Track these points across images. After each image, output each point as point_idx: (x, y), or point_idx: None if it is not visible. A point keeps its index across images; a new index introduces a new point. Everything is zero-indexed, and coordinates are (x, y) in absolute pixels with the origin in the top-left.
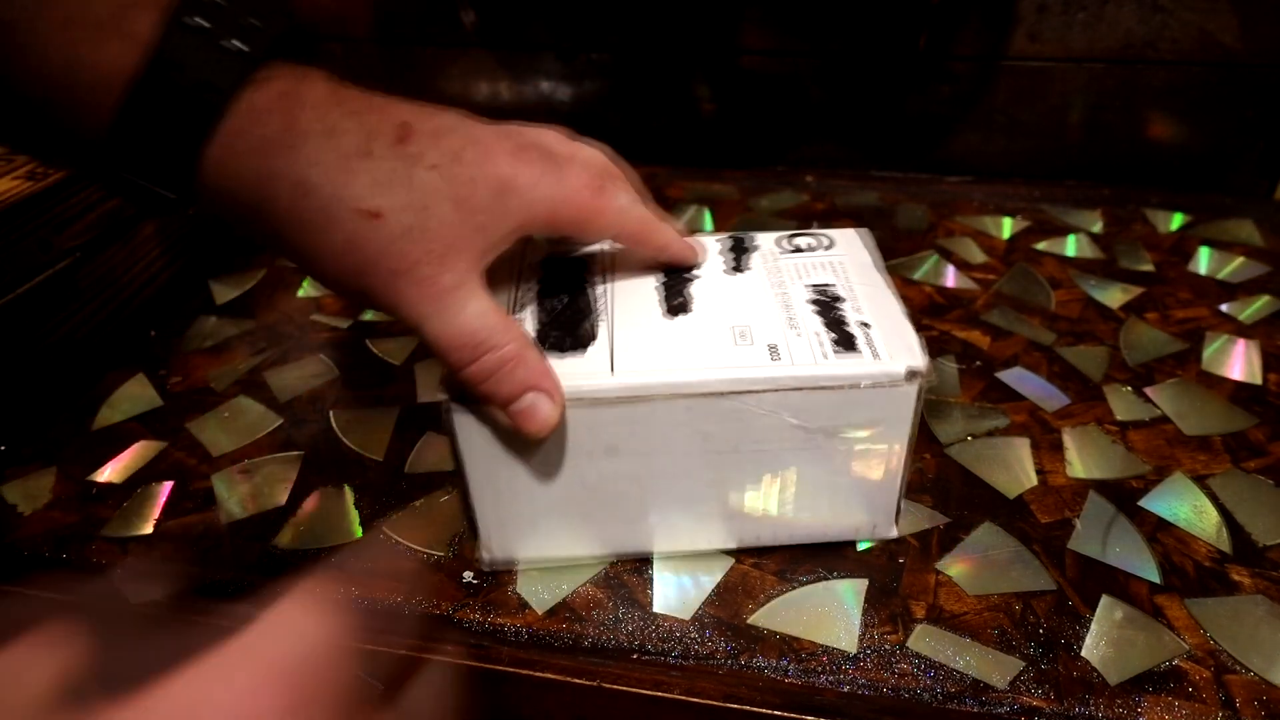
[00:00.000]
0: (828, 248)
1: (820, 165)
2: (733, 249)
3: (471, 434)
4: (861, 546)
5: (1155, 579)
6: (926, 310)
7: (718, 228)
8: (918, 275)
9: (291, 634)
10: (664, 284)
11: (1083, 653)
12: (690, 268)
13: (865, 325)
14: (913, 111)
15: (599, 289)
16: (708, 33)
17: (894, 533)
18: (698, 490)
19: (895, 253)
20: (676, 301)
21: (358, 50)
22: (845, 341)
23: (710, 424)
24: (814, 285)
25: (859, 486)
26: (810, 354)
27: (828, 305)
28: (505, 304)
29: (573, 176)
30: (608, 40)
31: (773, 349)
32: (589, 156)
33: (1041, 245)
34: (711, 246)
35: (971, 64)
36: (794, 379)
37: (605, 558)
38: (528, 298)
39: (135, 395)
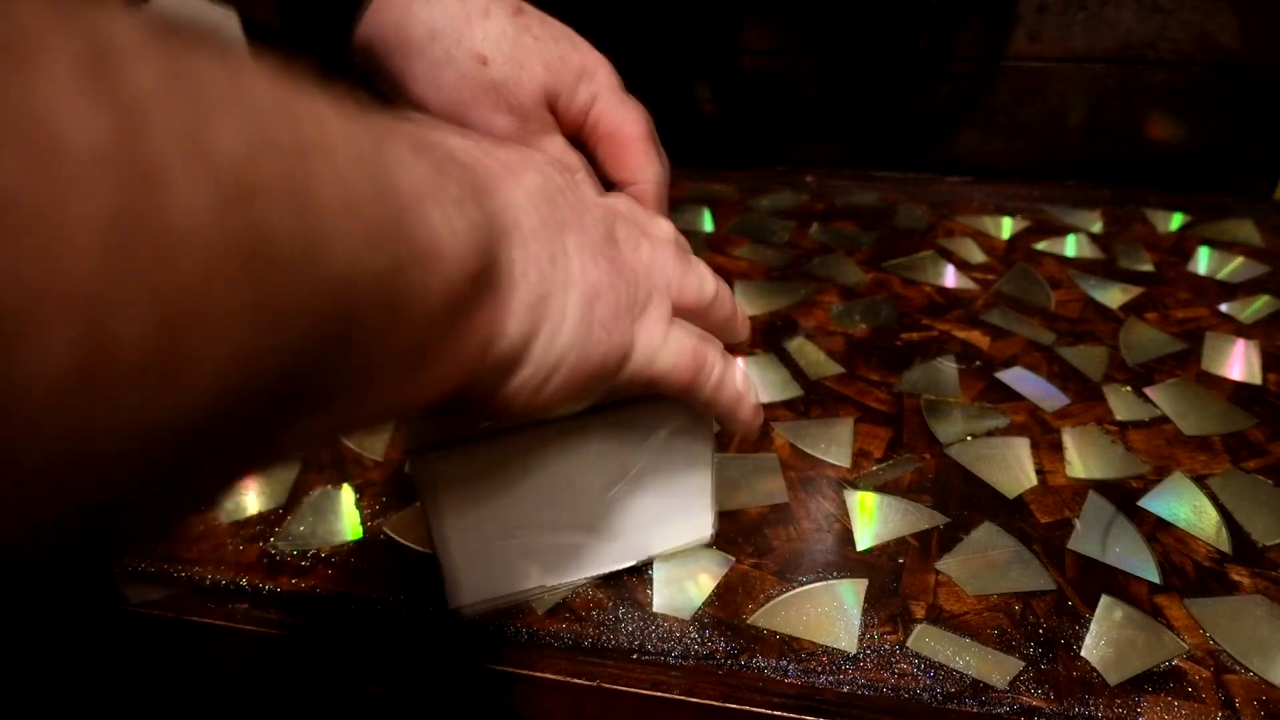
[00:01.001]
0: None
1: (820, 165)
2: None
3: (439, 483)
4: (861, 547)
5: (1155, 579)
6: (926, 310)
7: (718, 228)
8: (918, 275)
9: None
10: None
11: (1082, 653)
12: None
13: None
14: (913, 112)
15: None
16: (708, 33)
17: (711, 530)
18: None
19: (895, 253)
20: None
21: None
22: None
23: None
24: None
25: (683, 494)
26: None
27: None
28: None
29: (630, 103)
30: (608, 41)
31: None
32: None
33: (1041, 245)
34: None
35: (971, 64)
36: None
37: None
38: None
39: None
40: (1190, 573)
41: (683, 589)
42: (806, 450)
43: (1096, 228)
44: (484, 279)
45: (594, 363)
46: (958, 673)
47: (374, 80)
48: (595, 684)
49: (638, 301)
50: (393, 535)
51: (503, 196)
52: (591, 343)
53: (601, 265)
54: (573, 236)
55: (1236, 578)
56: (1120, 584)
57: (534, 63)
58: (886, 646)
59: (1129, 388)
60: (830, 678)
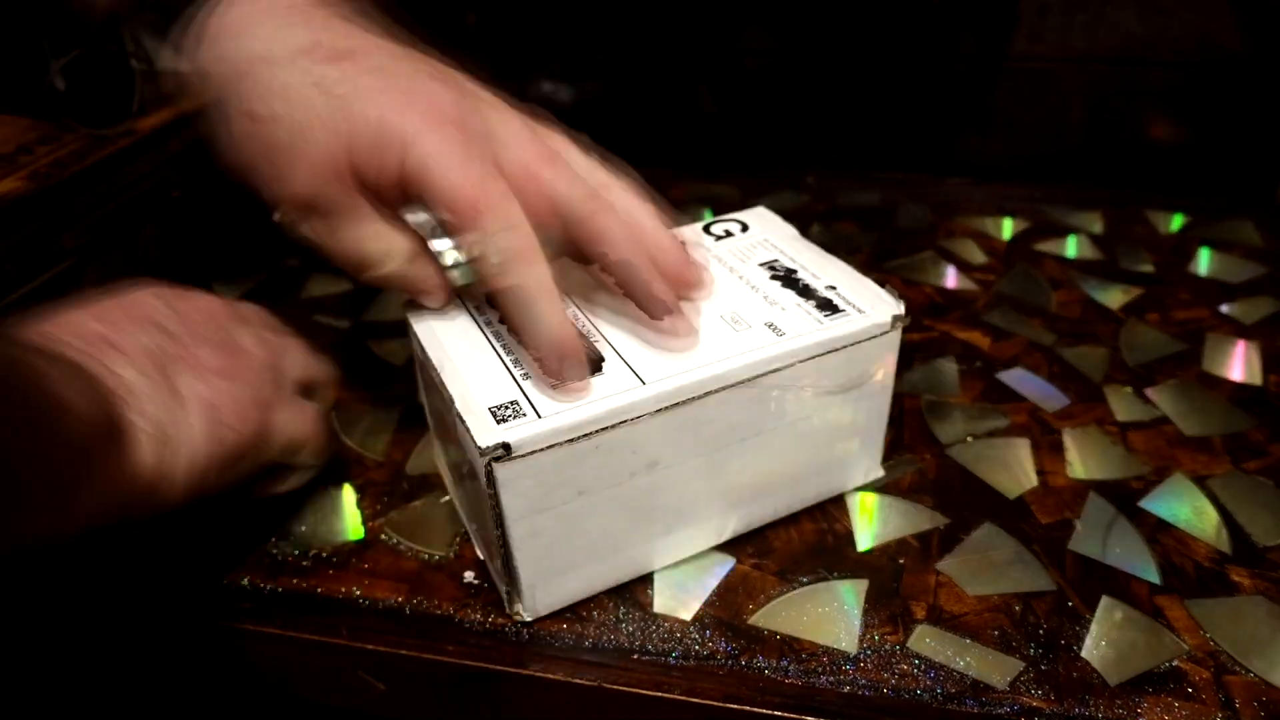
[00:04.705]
0: (745, 230)
1: (821, 166)
2: None
3: (515, 486)
4: (862, 548)
5: (1155, 580)
6: (927, 310)
7: None
8: (918, 276)
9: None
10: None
11: (1083, 653)
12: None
13: (832, 288)
14: (914, 112)
15: (570, 311)
16: (709, 33)
17: (880, 473)
18: (722, 484)
19: (896, 253)
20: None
21: None
22: (826, 306)
23: (738, 412)
24: (763, 264)
25: (857, 434)
26: (806, 323)
27: (788, 279)
28: (479, 337)
29: (471, 171)
30: (609, 41)
31: (772, 327)
32: (531, 151)
33: (1042, 246)
34: None
35: (972, 65)
36: (805, 349)
37: (634, 576)
38: (504, 337)
39: None
40: (1190, 573)
41: (683, 589)
42: None
43: (1097, 228)
44: (111, 440)
45: (234, 453)
46: (958, 673)
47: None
48: (595, 684)
49: (263, 395)
50: (394, 535)
51: (113, 381)
52: (226, 443)
53: (215, 383)
54: (184, 375)
55: (1237, 579)
56: (1120, 585)
57: (317, 129)
58: (887, 647)
59: (1130, 388)
60: (830, 678)
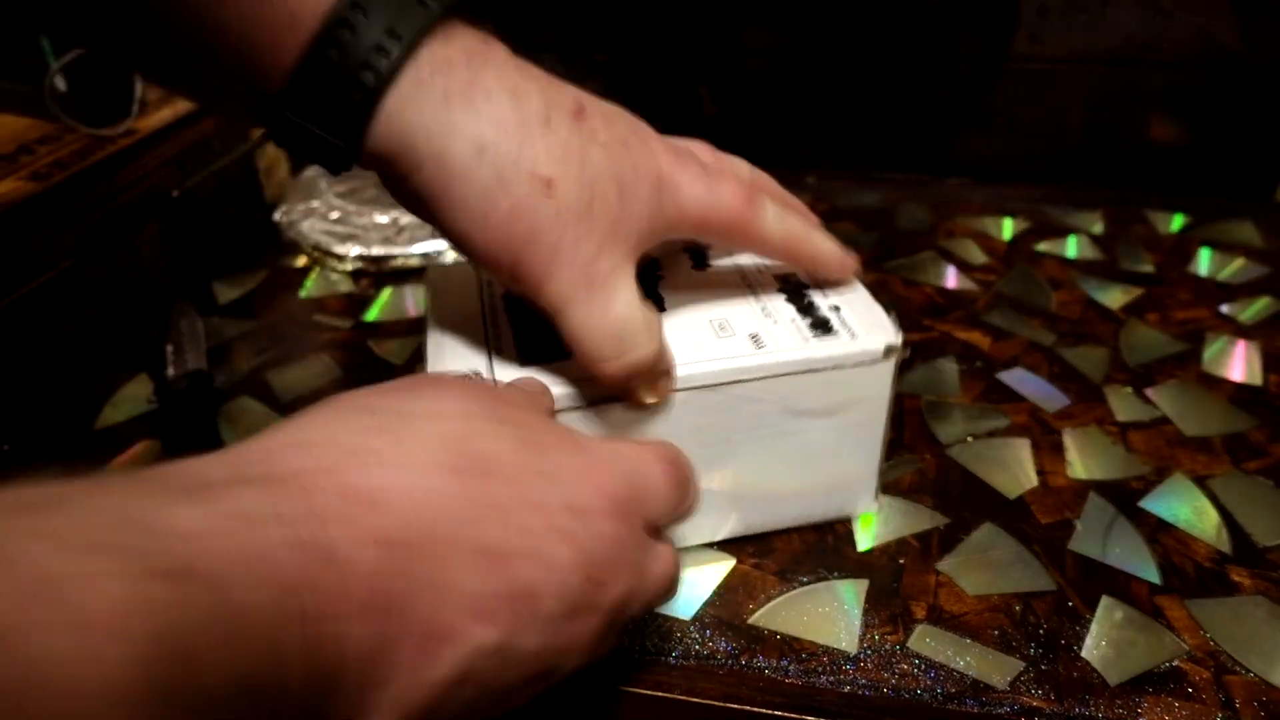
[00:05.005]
0: None
1: (821, 166)
2: (693, 246)
3: None
4: (862, 548)
5: (1155, 580)
6: (927, 310)
7: None
8: (919, 276)
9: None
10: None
11: (1083, 653)
12: (838, 282)
13: (836, 309)
14: (914, 112)
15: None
16: (709, 33)
17: (874, 506)
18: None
19: (896, 253)
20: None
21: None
22: (821, 325)
23: (701, 417)
24: (779, 275)
25: (841, 464)
26: (791, 339)
27: (795, 293)
28: (480, 327)
29: (725, 186)
30: (610, 41)
31: (754, 338)
32: (738, 168)
33: (1042, 246)
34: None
35: (973, 65)
36: (780, 365)
37: None
38: (499, 312)
39: (138, 395)
40: (1191, 573)
41: (683, 589)
42: None
43: (1097, 229)
44: None
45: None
46: (958, 673)
47: (396, 196)
48: (596, 684)
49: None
50: None
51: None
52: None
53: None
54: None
55: (1237, 579)
56: (1121, 585)
57: (607, 184)
58: (887, 646)
59: (1130, 389)
60: (831, 678)
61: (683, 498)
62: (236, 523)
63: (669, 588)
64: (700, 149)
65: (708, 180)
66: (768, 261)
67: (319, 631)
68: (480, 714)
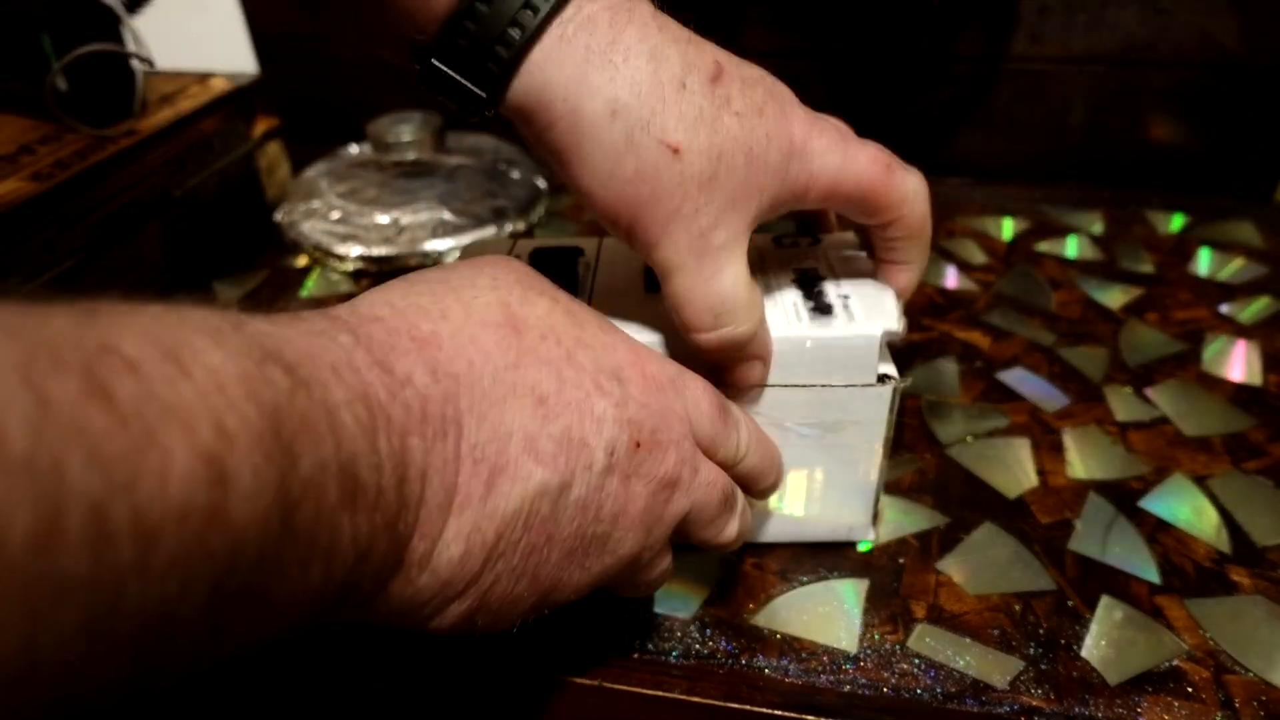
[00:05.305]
0: (814, 244)
1: None
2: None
3: None
4: (862, 548)
5: (1155, 579)
6: (927, 310)
7: None
8: None
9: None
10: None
11: (1082, 653)
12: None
13: (845, 297)
14: (914, 113)
15: (583, 269)
16: (709, 34)
17: (871, 535)
18: None
19: None
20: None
21: (360, 52)
22: (823, 309)
23: None
24: (799, 269)
25: (835, 488)
26: (785, 319)
27: (806, 280)
28: None
29: (863, 153)
30: None
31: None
32: (876, 144)
33: (1042, 246)
34: None
35: (973, 65)
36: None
37: None
38: None
39: None
40: (1190, 573)
41: (683, 589)
42: None
43: (1097, 229)
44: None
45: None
46: (958, 672)
47: (529, 146)
48: (596, 684)
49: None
50: None
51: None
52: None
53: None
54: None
55: (1236, 578)
56: (1120, 584)
57: (735, 153)
58: (887, 646)
59: (1129, 388)
60: (831, 677)
61: (725, 422)
62: (325, 340)
63: (721, 502)
64: (839, 123)
65: (844, 146)
66: (795, 258)
67: (404, 445)
68: (534, 575)
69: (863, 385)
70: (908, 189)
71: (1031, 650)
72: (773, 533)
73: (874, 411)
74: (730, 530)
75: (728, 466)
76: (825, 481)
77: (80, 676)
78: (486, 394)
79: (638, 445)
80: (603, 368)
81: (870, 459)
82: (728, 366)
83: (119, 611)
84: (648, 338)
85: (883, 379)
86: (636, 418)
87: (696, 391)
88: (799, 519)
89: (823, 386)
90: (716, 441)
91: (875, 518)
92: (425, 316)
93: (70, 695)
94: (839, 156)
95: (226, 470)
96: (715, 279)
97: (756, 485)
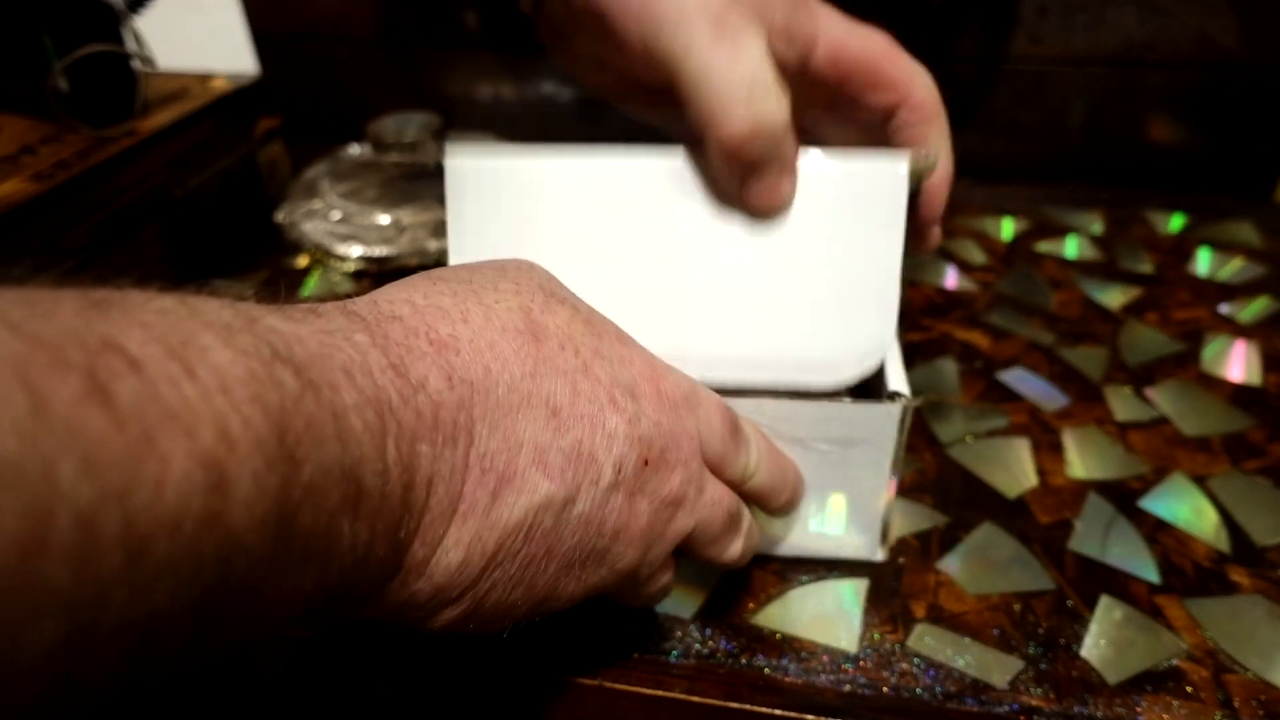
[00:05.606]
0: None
1: None
2: None
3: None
4: None
5: (1154, 579)
6: (927, 310)
7: None
8: (918, 276)
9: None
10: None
11: (1082, 652)
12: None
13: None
14: None
15: None
16: None
17: (880, 556)
18: None
19: None
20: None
21: (361, 52)
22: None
23: None
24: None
25: (844, 506)
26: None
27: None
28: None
29: (869, 29)
30: None
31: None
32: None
33: (1042, 246)
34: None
35: (972, 66)
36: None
37: None
38: None
39: None
40: (1190, 573)
41: (683, 588)
42: None
43: (1097, 229)
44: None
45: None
46: (958, 672)
47: None
48: (596, 684)
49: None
50: None
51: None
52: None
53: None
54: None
55: (1236, 578)
56: (1120, 584)
57: None
58: (887, 646)
59: (1129, 388)
60: (831, 677)
61: (736, 440)
62: (339, 339)
63: (726, 521)
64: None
65: (851, 22)
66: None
67: (413, 451)
68: (530, 584)
69: (872, 403)
70: (913, 66)
71: (1031, 650)
72: (780, 549)
73: (884, 430)
74: (734, 549)
75: (736, 485)
76: (833, 500)
77: (61, 681)
78: (500, 403)
79: (646, 463)
80: (618, 381)
81: (879, 478)
82: (759, 172)
83: (102, 620)
84: (667, 152)
85: (893, 396)
86: (647, 435)
87: (709, 409)
88: (806, 536)
89: (831, 399)
90: (725, 460)
91: (884, 537)
92: (445, 318)
93: (51, 699)
94: (845, 24)
95: (226, 476)
96: (739, 56)
97: (769, 503)
